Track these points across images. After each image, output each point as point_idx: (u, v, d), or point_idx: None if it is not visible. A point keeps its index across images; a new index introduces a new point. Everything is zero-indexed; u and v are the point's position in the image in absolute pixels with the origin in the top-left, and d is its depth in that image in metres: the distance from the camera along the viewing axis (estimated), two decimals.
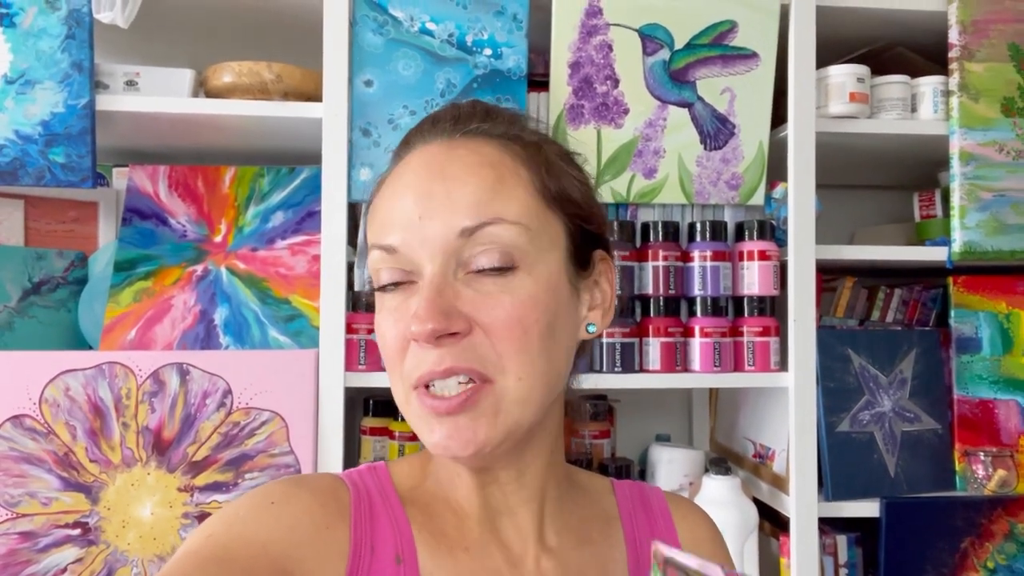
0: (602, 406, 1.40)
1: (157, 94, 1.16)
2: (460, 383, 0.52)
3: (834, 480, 1.22)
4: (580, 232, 0.58)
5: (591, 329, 0.59)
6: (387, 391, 1.25)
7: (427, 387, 0.53)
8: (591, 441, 1.37)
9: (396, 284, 0.55)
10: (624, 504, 0.65)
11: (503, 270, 0.53)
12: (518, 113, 0.62)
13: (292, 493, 0.55)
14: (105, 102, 1.13)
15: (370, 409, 1.32)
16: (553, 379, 0.55)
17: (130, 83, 1.16)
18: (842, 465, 1.23)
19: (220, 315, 1.21)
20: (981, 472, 1.26)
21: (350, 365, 1.14)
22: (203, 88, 1.20)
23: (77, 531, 1.07)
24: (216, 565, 0.48)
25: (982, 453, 1.27)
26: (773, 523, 1.32)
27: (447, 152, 0.56)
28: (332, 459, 1.11)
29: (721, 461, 1.25)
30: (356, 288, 1.19)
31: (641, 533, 0.63)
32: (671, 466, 1.33)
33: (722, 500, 1.20)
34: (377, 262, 0.56)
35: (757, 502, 1.26)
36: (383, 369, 1.17)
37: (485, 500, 0.59)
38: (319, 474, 0.61)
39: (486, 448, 0.53)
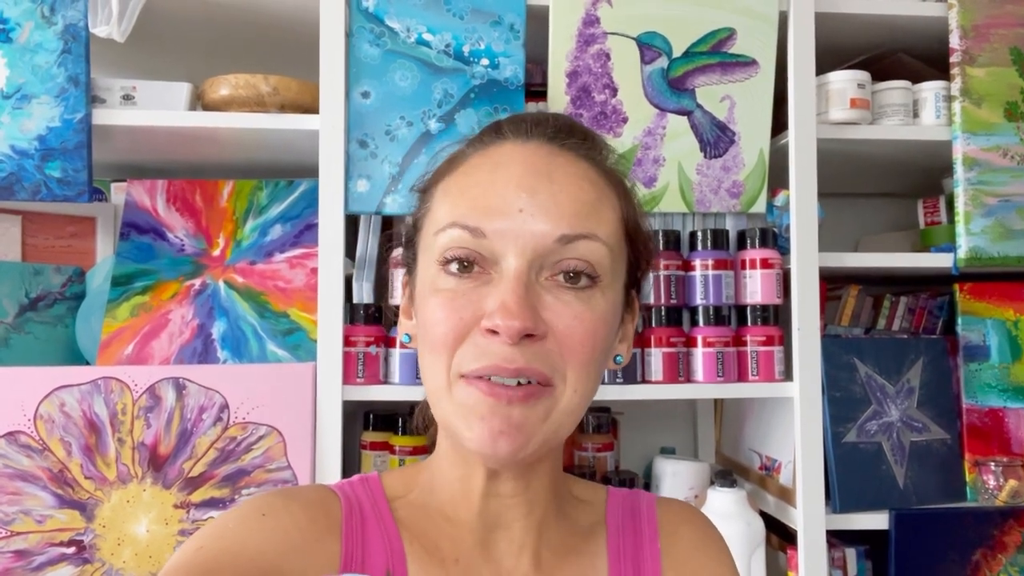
0: (605, 418, 1.38)
1: (154, 108, 1.16)
2: (520, 383, 0.51)
3: (842, 492, 1.20)
4: (634, 268, 0.60)
5: (618, 360, 0.61)
6: (387, 405, 1.25)
7: (479, 378, 0.52)
8: (594, 454, 1.35)
9: (467, 268, 0.53)
10: (613, 513, 0.64)
11: (586, 285, 0.53)
12: (603, 140, 0.62)
13: (283, 506, 0.55)
14: (102, 116, 1.12)
15: (370, 423, 1.30)
16: (591, 397, 0.56)
17: (127, 97, 1.16)
18: (850, 476, 1.20)
19: (218, 329, 1.20)
20: (992, 482, 1.24)
21: (348, 378, 1.13)
22: (200, 101, 1.20)
23: (72, 549, 1.05)
24: None
25: (993, 463, 1.24)
26: (781, 536, 1.30)
27: (550, 156, 0.55)
28: (330, 474, 1.09)
29: (727, 473, 1.23)
30: (355, 300, 1.18)
31: (626, 542, 0.62)
32: (676, 479, 1.31)
33: (728, 513, 1.18)
34: (456, 240, 0.53)
35: (764, 515, 1.24)
36: (381, 382, 1.16)
37: (485, 511, 0.57)
38: (310, 486, 0.60)
39: (528, 448, 0.52)
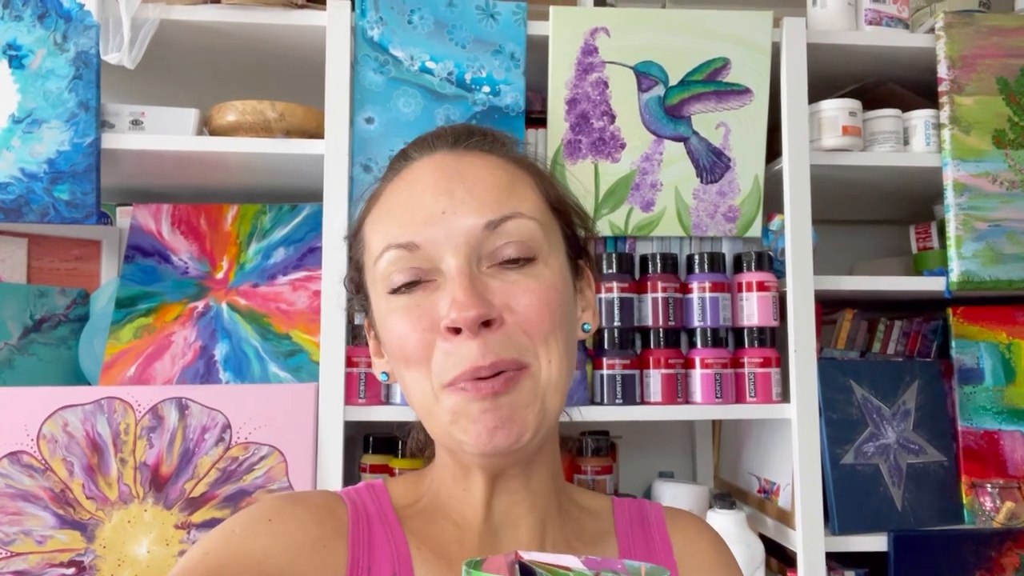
0: (603, 442, 1.38)
1: (162, 133, 1.18)
2: (498, 374, 0.52)
3: (840, 513, 1.20)
4: (573, 238, 0.62)
5: (586, 328, 0.62)
6: (387, 426, 1.26)
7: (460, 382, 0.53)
8: (593, 477, 1.35)
9: (413, 283, 0.55)
10: (621, 521, 0.65)
11: (526, 261, 0.55)
12: (506, 134, 0.65)
13: (289, 510, 0.55)
14: (111, 140, 1.15)
15: (370, 446, 1.31)
16: (571, 368, 0.57)
17: (135, 122, 1.18)
18: (848, 498, 1.21)
19: (220, 351, 1.21)
20: (989, 504, 1.24)
21: (350, 398, 1.14)
22: (207, 127, 1.22)
23: (72, 570, 1.05)
24: None
25: (989, 485, 1.25)
26: (780, 559, 1.30)
27: (457, 159, 0.58)
28: None
29: (726, 496, 1.23)
30: (356, 322, 1.19)
31: (637, 549, 0.63)
32: (675, 502, 1.31)
33: (728, 535, 1.17)
34: (394, 263, 0.55)
35: (763, 538, 1.24)
36: (383, 402, 1.17)
37: (491, 511, 0.58)
38: (317, 491, 0.61)
39: (525, 435, 0.53)
